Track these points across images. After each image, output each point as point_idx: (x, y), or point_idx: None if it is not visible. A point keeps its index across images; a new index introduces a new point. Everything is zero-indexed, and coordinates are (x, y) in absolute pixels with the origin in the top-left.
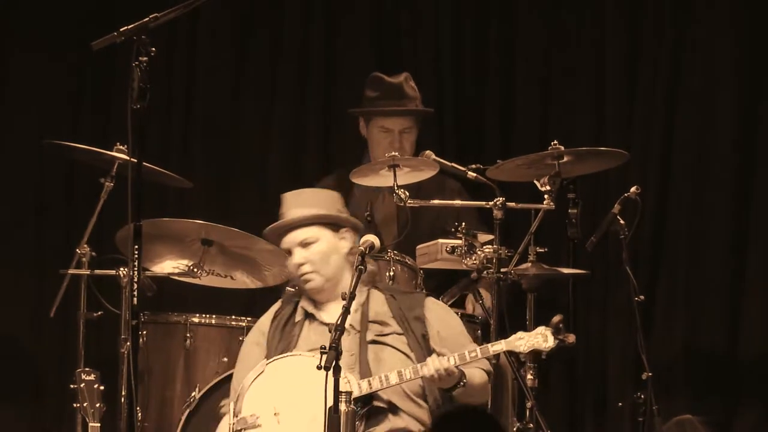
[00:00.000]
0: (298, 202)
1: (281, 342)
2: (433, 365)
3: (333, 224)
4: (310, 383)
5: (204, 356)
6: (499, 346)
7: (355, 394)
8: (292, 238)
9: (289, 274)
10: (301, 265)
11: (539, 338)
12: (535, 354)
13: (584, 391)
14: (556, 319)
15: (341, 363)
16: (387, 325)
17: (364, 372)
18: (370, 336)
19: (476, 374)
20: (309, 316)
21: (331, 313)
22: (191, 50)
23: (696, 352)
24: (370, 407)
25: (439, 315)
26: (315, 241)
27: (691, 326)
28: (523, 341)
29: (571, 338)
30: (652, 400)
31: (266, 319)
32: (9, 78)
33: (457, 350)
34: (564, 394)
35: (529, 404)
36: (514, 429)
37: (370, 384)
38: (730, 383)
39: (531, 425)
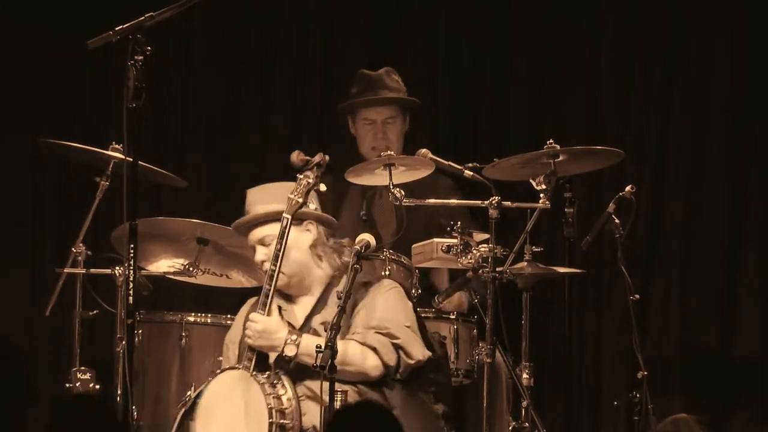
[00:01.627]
0: (260, 198)
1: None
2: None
3: (295, 218)
4: (229, 400)
5: (199, 355)
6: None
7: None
8: (252, 236)
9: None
10: (262, 262)
11: (303, 181)
12: None
13: (580, 390)
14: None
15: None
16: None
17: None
18: (317, 322)
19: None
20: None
21: (303, 306)
22: (187, 49)
23: (691, 351)
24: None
25: (373, 297)
26: (275, 238)
27: (686, 325)
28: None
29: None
30: (647, 399)
31: (241, 316)
32: (7, 77)
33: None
34: (559, 393)
35: (524, 403)
36: (510, 428)
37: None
38: (725, 382)
39: (526, 424)
